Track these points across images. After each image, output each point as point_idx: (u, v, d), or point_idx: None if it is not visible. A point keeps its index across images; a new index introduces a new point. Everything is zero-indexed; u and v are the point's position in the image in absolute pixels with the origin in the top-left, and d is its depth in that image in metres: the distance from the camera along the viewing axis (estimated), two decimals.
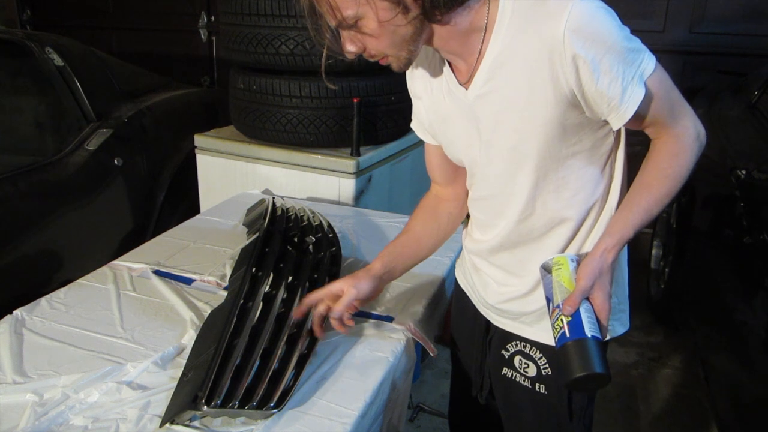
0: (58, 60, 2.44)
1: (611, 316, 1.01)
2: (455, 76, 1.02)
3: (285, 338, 1.16)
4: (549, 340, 1.07)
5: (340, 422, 1.05)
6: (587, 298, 0.93)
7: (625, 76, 0.88)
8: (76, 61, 2.52)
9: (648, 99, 0.91)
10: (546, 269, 0.99)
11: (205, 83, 4.52)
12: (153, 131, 2.70)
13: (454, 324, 1.37)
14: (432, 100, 1.09)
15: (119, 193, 2.46)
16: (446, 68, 1.03)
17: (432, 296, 1.51)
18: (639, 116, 0.92)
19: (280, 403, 1.06)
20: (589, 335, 0.89)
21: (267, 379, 1.08)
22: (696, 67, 3.62)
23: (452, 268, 1.67)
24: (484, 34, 0.93)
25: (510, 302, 1.13)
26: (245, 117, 2.32)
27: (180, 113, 2.95)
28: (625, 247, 1.06)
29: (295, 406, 1.09)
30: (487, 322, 1.21)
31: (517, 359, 1.16)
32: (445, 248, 1.73)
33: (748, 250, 1.80)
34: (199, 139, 2.47)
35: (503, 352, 1.18)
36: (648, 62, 0.90)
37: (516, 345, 1.15)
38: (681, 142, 0.96)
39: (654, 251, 3.01)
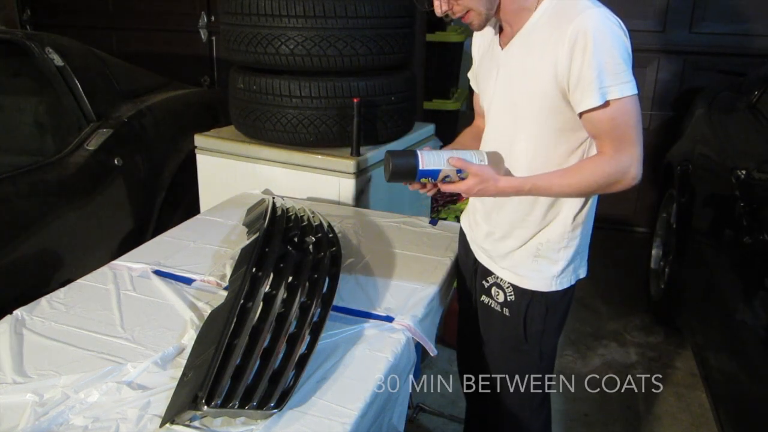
0: (58, 60, 2.44)
1: (579, 263, 1.41)
2: (500, 40, 1.35)
3: (285, 338, 1.16)
4: (512, 279, 1.41)
5: (340, 422, 1.06)
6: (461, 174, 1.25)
7: (601, 80, 1.14)
8: (76, 61, 2.51)
9: (602, 112, 1.16)
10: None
11: (205, 83, 4.51)
12: (153, 131, 2.70)
13: (459, 261, 1.67)
14: (480, 59, 1.46)
15: (119, 193, 2.46)
16: (496, 34, 1.37)
17: (432, 296, 1.51)
18: (591, 119, 1.19)
19: (280, 403, 1.06)
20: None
21: (267, 379, 1.08)
22: (696, 67, 3.62)
23: (452, 268, 1.68)
24: (532, 13, 1.26)
25: (488, 241, 1.46)
26: (245, 117, 2.32)
27: (180, 113, 2.95)
28: (593, 208, 1.36)
29: (295, 406, 1.09)
30: (475, 258, 1.53)
31: (493, 289, 1.47)
32: (445, 249, 1.74)
33: (748, 250, 1.80)
34: (199, 139, 2.46)
35: (484, 282, 1.49)
36: (623, 90, 1.15)
37: (493, 278, 1.47)
38: (612, 164, 1.19)
39: (654, 251, 3.01)
